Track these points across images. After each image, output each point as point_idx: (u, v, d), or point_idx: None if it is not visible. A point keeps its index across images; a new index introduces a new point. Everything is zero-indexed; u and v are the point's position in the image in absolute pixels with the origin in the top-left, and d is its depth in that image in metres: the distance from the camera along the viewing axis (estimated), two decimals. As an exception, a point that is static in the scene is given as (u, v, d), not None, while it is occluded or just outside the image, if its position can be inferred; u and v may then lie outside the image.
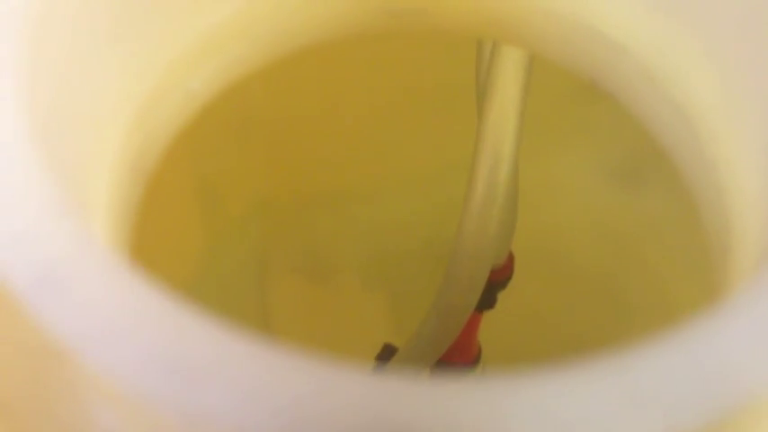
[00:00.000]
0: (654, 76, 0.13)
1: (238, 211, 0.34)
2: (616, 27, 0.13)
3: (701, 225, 0.13)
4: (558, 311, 0.34)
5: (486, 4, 0.14)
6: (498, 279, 0.25)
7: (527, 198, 0.27)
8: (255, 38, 0.13)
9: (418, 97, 0.35)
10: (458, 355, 0.27)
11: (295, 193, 0.35)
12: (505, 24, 0.14)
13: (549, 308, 0.34)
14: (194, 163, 0.32)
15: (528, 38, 0.15)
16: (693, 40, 0.12)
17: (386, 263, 0.36)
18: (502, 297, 0.28)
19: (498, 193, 0.20)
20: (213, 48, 0.13)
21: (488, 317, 0.28)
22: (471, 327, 0.27)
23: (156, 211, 0.31)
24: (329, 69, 0.32)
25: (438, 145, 0.34)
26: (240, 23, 0.13)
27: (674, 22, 0.12)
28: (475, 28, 0.15)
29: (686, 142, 0.13)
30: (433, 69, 0.33)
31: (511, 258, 0.26)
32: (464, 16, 0.15)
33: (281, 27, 0.13)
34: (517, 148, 0.20)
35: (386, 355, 0.26)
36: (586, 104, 0.31)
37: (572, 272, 0.34)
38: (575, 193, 0.32)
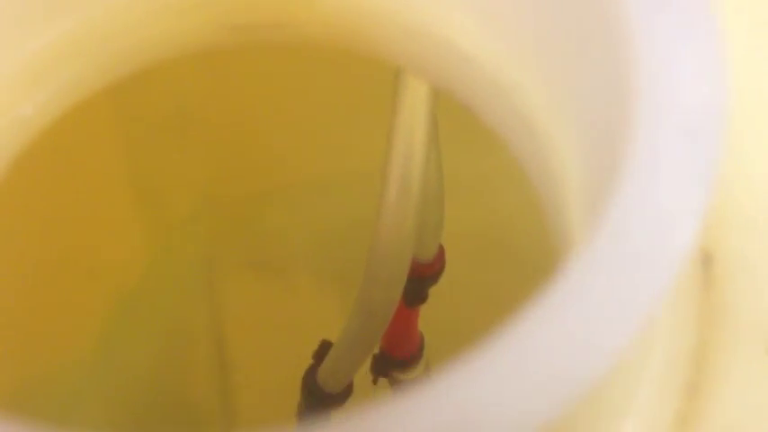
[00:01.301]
0: (500, 88, 0.13)
1: (183, 210, 0.34)
2: (465, 38, 0.13)
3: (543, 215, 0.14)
4: (503, 293, 0.34)
5: (338, 19, 0.14)
6: (428, 273, 0.25)
7: (464, 189, 0.27)
8: (91, 58, 0.13)
9: (364, 88, 0.34)
10: (399, 349, 0.27)
11: (241, 189, 0.35)
12: (361, 41, 0.14)
13: (492, 294, 0.34)
14: (132, 161, 0.32)
15: (382, 52, 0.14)
16: (522, 50, 0.12)
17: (336, 256, 0.36)
18: (444, 285, 0.28)
19: (412, 190, 0.20)
20: (46, 69, 0.12)
21: (432, 306, 0.28)
22: (408, 321, 0.26)
23: (93, 213, 0.31)
24: (269, 59, 0.32)
25: (383, 138, 0.33)
26: (73, 43, 0.12)
27: (503, 33, 0.12)
28: (331, 44, 0.15)
29: (533, 155, 0.13)
30: (376, 63, 0.33)
31: (441, 252, 0.25)
32: (319, 31, 0.14)
33: (118, 46, 0.13)
34: (429, 143, 0.20)
35: (322, 352, 0.26)
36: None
37: (516, 252, 0.34)
38: (513, 182, 0.32)
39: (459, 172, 0.27)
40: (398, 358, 0.28)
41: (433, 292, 0.28)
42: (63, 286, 0.30)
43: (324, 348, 0.26)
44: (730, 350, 0.13)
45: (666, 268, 0.10)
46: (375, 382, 0.28)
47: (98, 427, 0.32)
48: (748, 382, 0.13)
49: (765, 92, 0.15)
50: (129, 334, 0.33)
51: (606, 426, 0.13)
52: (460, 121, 0.22)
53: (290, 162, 0.35)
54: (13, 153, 0.12)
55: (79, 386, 0.32)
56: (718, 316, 0.13)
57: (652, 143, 0.10)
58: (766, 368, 0.13)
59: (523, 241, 0.32)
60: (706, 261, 0.13)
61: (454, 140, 0.25)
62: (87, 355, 0.32)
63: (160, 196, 0.33)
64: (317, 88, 0.34)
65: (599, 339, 0.10)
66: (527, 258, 0.33)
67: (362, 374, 0.29)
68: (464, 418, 0.09)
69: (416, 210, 0.20)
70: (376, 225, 0.21)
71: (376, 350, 0.27)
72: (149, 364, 0.34)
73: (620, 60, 0.10)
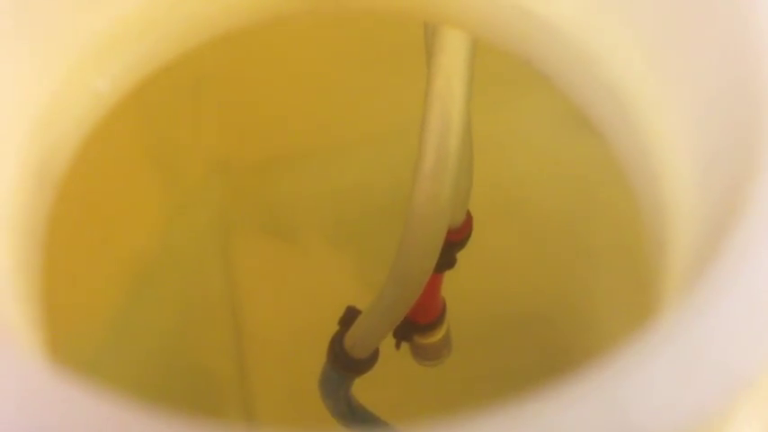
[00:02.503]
0: (585, 58, 0.12)
1: (197, 174, 0.34)
2: (546, 7, 0.13)
3: (640, 215, 0.13)
4: (524, 261, 0.34)
5: None
6: (456, 239, 0.25)
7: (484, 150, 0.27)
8: (164, 30, 0.12)
9: (376, 54, 0.34)
10: (421, 315, 0.27)
11: (254, 154, 0.35)
12: (435, 6, 0.14)
13: (514, 258, 0.34)
14: (146, 128, 0.31)
15: (459, 19, 0.14)
16: (619, 22, 0.12)
17: (350, 221, 0.36)
18: (466, 250, 0.28)
19: (449, 161, 0.20)
20: (120, 43, 0.12)
21: (453, 271, 0.28)
22: (433, 287, 0.26)
23: (108, 181, 0.31)
24: (283, 27, 0.31)
25: (398, 101, 0.33)
26: (147, 16, 0.12)
27: (600, 3, 0.12)
28: (403, 11, 0.14)
29: (620, 128, 0.12)
30: (388, 26, 0.32)
31: (469, 218, 0.25)
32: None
33: (191, 17, 0.13)
34: (467, 113, 0.20)
35: (348, 318, 0.26)
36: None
37: (535, 219, 0.34)
38: (531, 141, 0.32)
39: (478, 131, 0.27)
40: (421, 323, 0.28)
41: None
42: (78, 255, 0.30)
43: (350, 315, 0.26)
44: None
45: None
46: (398, 346, 0.28)
47: (115, 389, 0.32)
48: None
49: None
50: (145, 302, 0.33)
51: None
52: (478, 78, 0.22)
53: (303, 128, 0.34)
54: (89, 128, 0.12)
55: (96, 354, 0.32)
56: None
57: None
58: None
59: (543, 199, 0.32)
60: None
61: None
62: (104, 322, 0.32)
63: (174, 163, 0.33)
64: (329, 53, 0.33)
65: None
66: (546, 221, 0.33)
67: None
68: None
69: (453, 179, 0.20)
70: (411, 195, 0.20)
71: (400, 315, 0.27)
72: (165, 331, 0.34)
73: (747, 46, 0.09)
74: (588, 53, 0.13)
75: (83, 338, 0.32)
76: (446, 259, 0.25)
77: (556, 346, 0.34)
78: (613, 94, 0.12)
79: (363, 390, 0.29)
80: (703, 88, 0.11)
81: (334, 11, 0.15)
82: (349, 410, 0.29)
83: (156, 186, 0.33)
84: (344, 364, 0.25)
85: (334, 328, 0.27)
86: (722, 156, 0.11)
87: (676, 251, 0.11)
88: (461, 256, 0.28)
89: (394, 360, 0.29)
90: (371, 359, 0.26)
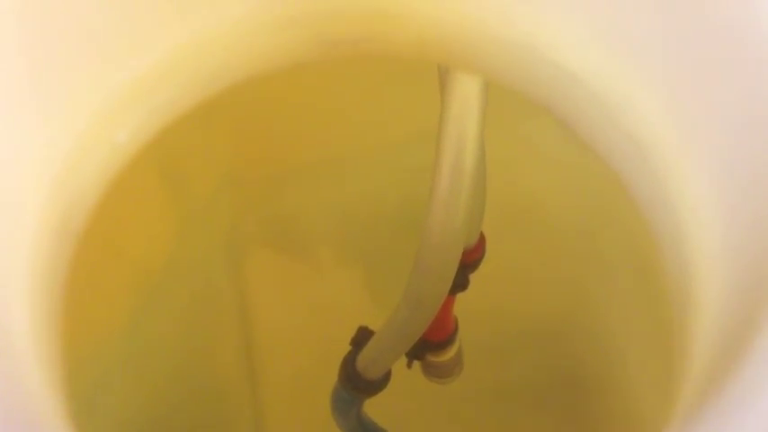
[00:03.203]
0: (605, 104, 0.12)
1: (206, 189, 0.33)
2: (566, 54, 0.13)
3: (661, 273, 0.13)
4: (535, 277, 0.34)
5: (434, 32, 0.13)
6: (470, 261, 0.25)
7: (496, 167, 0.27)
8: (183, 81, 0.12)
9: (386, 67, 0.34)
10: (433, 334, 0.27)
11: (263, 168, 0.34)
12: (456, 52, 0.14)
13: (526, 274, 0.34)
14: (157, 142, 0.31)
15: (479, 66, 0.14)
16: (636, 68, 0.12)
17: (361, 233, 0.36)
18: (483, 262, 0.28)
19: (465, 183, 0.20)
20: (139, 95, 0.12)
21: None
22: (445, 307, 0.26)
23: (119, 195, 0.31)
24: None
25: (405, 114, 0.33)
26: (165, 68, 0.12)
27: (617, 51, 0.12)
28: (424, 56, 0.14)
29: (642, 175, 0.12)
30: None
31: (482, 239, 0.25)
32: (412, 45, 0.14)
33: (210, 67, 0.13)
34: (482, 135, 0.20)
35: (360, 339, 0.26)
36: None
37: (547, 235, 0.34)
38: (544, 157, 0.32)
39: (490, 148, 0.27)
40: (434, 342, 0.28)
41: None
42: (90, 269, 0.30)
43: (362, 335, 0.26)
44: None
45: None
46: (410, 365, 0.28)
47: (128, 402, 0.32)
48: None
49: None
50: (156, 315, 0.33)
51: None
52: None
53: (314, 141, 0.34)
54: (109, 178, 0.12)
55: (109, 363, 0.32)
56: None
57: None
58: None
59: (558, 211, 0.32)
60: None
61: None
62: (116, 336, 0.32)
63: (185, 176, 0.33)
64: (339, 67, 0.33)
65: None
66: (558, 237, 0.33)
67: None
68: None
69: (468, 202, 0.20)
70: (427, 218, 0.20)
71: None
72: (176, 345, 0.34)
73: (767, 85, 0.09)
74: (607, 99, 0.12)
75: (98, 348, 0.32)
76: (459, 281, 0.25)
77: (566, 362, 0.34)
78: (633, 139, 0.12)
79: (374, 404, 0.29)
80: (725, 130, 0.11)
81: (351, 56, 0.15)
82: (360, 427, 0.28)
83: (167, 199, 0.33)
84: (356, 386, 0.25)
85: (346, 341, 0.27)
86: (750, 200, 0.10)
87: (701, 321, 0.11)
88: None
89: (405, 375, 0.28)
90: (384, 380, 0.25)
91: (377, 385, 0.25)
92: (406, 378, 0.29)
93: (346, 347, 0.27)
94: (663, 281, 0.13)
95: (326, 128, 0.34)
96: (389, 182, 0.35)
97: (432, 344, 0.28)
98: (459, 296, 0.28)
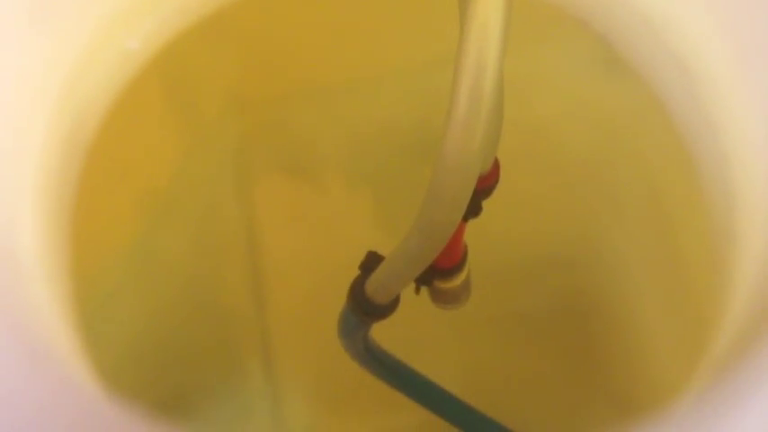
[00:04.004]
0: (651, 22, 0.11)
1: (213, 111, 0.33)
2: None
3: (704, 200, 0.12)
4: (547, 205, 0.34)
5: None
6: (483, 187, 0.24)
7: (510, 93, 0.26)
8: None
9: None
10: (443, 260, 0.27)
11: (272, 89, 0.34)
12: None
13: (538, 201, 0.33)
14: (163, 62, 0.31)
15: None
16: None
17: (371, 159, 0.35)
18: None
19: (483, 107, 0.19)
20: (151, 0, 0.11)
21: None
22: (456, 234, 0.26)
23: (124, 117, 0.30)
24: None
25: (420, 37, 0.32)
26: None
27: None
28: None
29: (687, 99, 0.11)
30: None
31: (496, 165, 0.25)
32: None
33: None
34: (503, 58, 0.19)
35: (370, 264, 0.25)
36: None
37: (559, 163, 0.33)
38: (558, 84, 0.31)
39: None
40: (443, 268, 0.27)
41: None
42: (97, 188, 0.30)
43: (371, 260, 0.25)
44: None
45: None
46: (417, 291, 0.28)
47: (134, 321, 0.32)
48: None
49: None
50: (163, 235, 0.33)
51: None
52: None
53: (324, 62, 0.33)
54: (120, 87, 0.11)
55: (116, 282, 0.32)
56: None
57: None
58: None
59: (570, 142, 0.32)
60: None
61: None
62: (123, 255, 0.32)
63: (191, 97, 0.32)
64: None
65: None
66: (571, 165, 0.32)
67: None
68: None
69: (486, 129, 0.19)
70: (443, 141, 0.20)
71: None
72: (183, 264, 0.34)
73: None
74: (655, 19, 0.12)
75: (103, 270, 0.31)
76: (471, 207, 0.24)
77: (575, 291, 0.34)
78: (682, 64, 0.11)
79: (379, 328, 0.29)
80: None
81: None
82: (366, 350, 0.28)
83: (174, 120, 0.32)
84: (365, 310, 0.25)
85: (354, 266, 0.27)
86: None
87: (746, 252, 0.10)
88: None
89: (412, 301, 0.28)
90: (392, 305, 0.25)
91: (385, 310, 0.25)
92: (413, 304, 0.29)
93: (354, 272, 0.27)
94: (705, 210, 0.12)
95: (340, 49, 0.33)
96: (403, 107, 0.35)
97: (441, 270, 0.27)
98: (470, 222, 0.28)
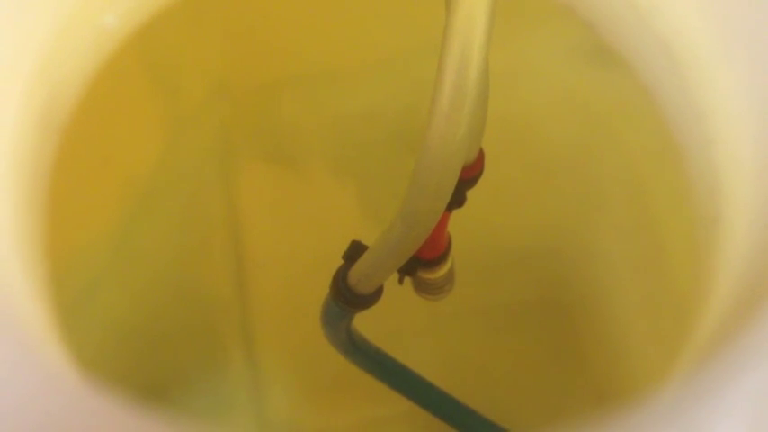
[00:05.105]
0: (637, 7, 0.11)
1: (197, 97, 0.33)
2: None
3: (688, 189, 0.12)
4: (530, 194, 0.34)
5: None
6: (468, 177, 0.24)
7: (497, 82, 0.26)
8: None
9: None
10: (427, 250, 0.27)
11: (257, 76, 0.34)
12: None
13: (521, 191, 0.34)
14: (146, 47, 0.30)
15: None
16: None
17: (355, 148, 0.35)
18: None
19: (467, 96, 0.19)
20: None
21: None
22: (440, 224, 0.26)
23: (104, 100, 0.30)
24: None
25: (406, 25, 0.32)
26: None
27: None
28: None
29: (673, 86, 0.11)
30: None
31: (480, 156, 0.24)
32: None
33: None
34: (487, 47, 0.19)
35: (353, 253, 0.25)
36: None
37: (543, 153, 0.33)
38: (541, 74, 0.31)
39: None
40: (426, 259, 0.27)
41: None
42: (79, 175, 0.30)
43: (354, 250, 0.25)
44: None
45: None
46: (401, 281, 0.28)
47: (115, 309, 0.32)
48: None
49: None
50: (145, 221, 0.32)
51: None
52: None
53: (309, 50, 0.33)
54: (98, 64, 0.11)
55: (97, 269, 0.32)
56: None
57: None
58: None
59: (553, 131, 0.32)
60: None
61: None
62: (106, 242, 0.32)
63: (174, 84, 0.32)
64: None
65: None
66: (554, 155, 0.32)
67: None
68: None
69: (470, 119, 0.19)
70: (426, 131, 0.20)
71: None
72: (166, 251, 0.33)
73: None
74: (642, 4, 0.12)
75: (85, 258, 0.31)
76: (456, 197, 0.24)
77: (558, 280, 0.34)
78: (669, 50, 0.11)
79: (362, 318, 0.28)
80: (766, 41, 0.10)
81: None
82: (349, 340, 0.28)
83: (156, 106, 0.32)
84: (348, 300, 0.25)
85: (337, 255, 0.27)
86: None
87: (730, 236, 0.10)
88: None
89: (395, 291, 0.28)
90: (375, 295, 0.25)
91: (368, 300, 0.25)
92: (396, 294, 0.29)
93: (338, 261, 0.27)
94: (689, 199, 0.12)
95: (325, 37, 0.33)
96: (388, 96, 0.35)
97: (424, 261, 0.27)
98: (454, 212, 0.28)
